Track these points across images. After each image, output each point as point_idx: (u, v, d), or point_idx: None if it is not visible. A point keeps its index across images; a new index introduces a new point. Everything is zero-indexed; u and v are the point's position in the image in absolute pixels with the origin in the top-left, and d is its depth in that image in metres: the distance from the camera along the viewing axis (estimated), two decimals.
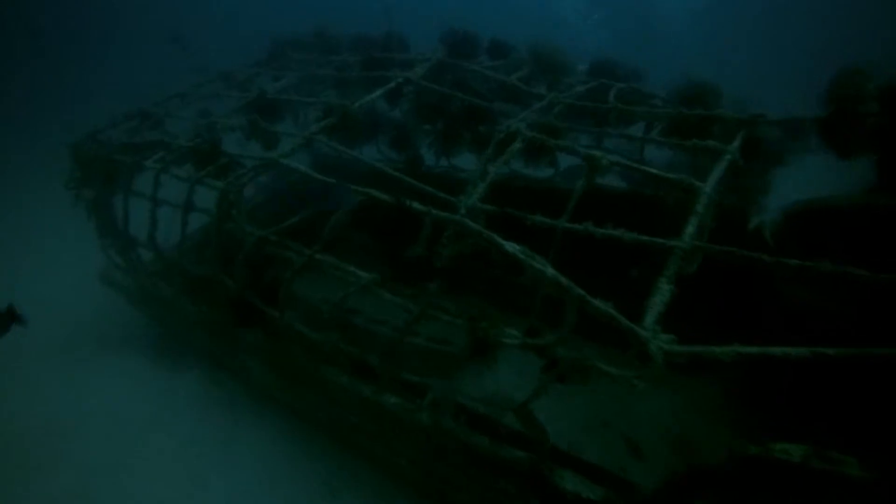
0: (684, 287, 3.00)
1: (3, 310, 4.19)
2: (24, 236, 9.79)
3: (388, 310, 3.37)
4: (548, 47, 5.03)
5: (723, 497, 2.52)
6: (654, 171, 3.46)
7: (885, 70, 3.58)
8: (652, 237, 3.01)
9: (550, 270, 2.81)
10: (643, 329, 2.49)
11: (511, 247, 2.97)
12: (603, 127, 4.57)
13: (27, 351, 6.35)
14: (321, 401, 4.46)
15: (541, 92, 5.10)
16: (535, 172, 5.45)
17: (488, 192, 3.57)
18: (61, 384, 6.13)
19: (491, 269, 3.61)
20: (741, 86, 4.46)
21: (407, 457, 4.02)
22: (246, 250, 3.81)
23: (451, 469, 3.75)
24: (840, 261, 2.74)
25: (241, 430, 5.15)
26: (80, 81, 19.13)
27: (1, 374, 6.16)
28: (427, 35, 6.33)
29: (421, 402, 3.66)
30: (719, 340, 2.48)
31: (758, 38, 17.38)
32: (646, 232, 3.06)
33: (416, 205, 3.35)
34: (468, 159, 6.02)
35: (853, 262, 2.76)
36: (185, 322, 5.61)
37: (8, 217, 10.64)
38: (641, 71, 4.83)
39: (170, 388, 5.82)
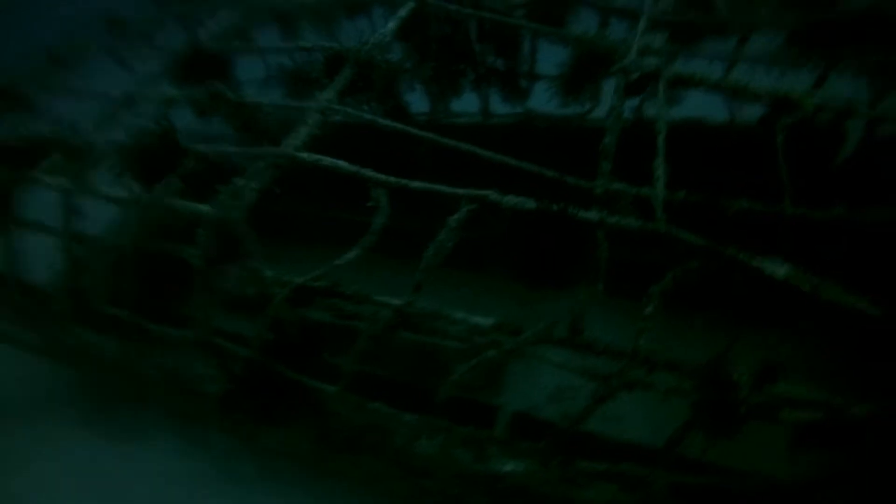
0: None
1: None
2: None
3: None
4: None
5: None
6: None
7: None
8: None
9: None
10: None
11: (777, 267, 1.84)
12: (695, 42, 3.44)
13: None
14: (395, 471, 3.24)
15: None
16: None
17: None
18: None
19: None
20: None
21: None
22: (275, 307, 2.36)
23: None
24: None
25: None
26: None
27: None
28: None
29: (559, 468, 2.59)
30: None
31: None
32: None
33: (584, 213, 2.09)
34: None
35: None
36: (139, 382, 4.01)
37: None
38: None
39: (131, 472, 4.22)
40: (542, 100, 4.39)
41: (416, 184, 2.24)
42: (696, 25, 3.33)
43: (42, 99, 3.78)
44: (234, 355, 2.74)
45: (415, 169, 2.49)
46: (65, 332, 3.73)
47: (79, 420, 4.68)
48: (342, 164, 2.34)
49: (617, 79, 2.71)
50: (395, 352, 3.04)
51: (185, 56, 3.55)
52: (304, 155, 2.40)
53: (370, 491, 3.76)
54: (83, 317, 3.45)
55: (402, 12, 3.35)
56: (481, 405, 3.49)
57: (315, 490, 3.93)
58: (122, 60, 4.09)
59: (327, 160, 2.36)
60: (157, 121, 2.64)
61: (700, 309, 3.26)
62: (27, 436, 4.63)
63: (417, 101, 4.59)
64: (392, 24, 3.24)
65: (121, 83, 3.62)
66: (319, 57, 4.95)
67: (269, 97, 3.92)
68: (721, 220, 2.19)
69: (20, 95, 3.71)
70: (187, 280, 2.60)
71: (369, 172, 2.30)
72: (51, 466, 4.39)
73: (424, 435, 2.85)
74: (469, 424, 2.72)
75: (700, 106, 3.63)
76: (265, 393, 2.64)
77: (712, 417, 1.94)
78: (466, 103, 4.76)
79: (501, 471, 2.74)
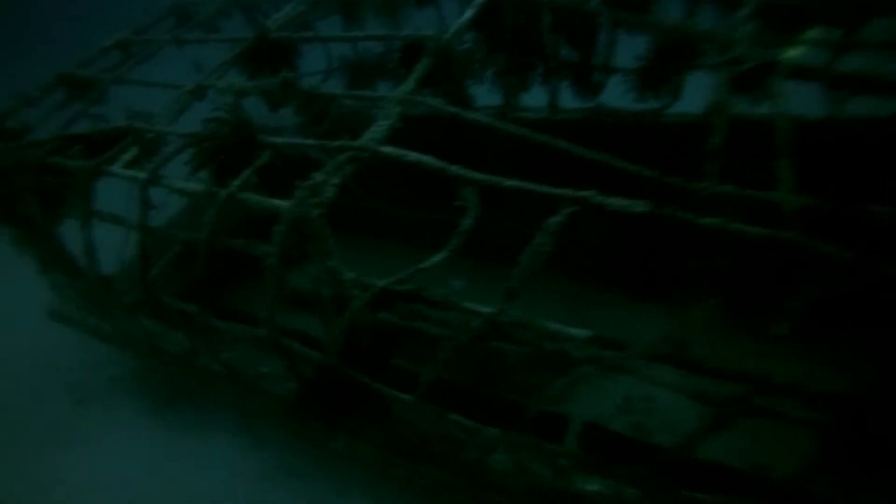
0: None
1: None
2: None
3: None
4: None
5: None
6: None
7: None
8: None
9: None
10: None
11: None
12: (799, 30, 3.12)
13: None
14: (462, 483, 3.10)
15: None
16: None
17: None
18: (36, 469, 4.44)
19: None
20: None
21: None
22: (355, 311, 2.23)
23: None
24: None
25: None
26: None
27: None
28: None
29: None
30: None
31: None
32: None
33: (703, 219, 1.87)
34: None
35: None
36: (203, 376, 4.00)
37: None
38: None
39: (194, 462, 4.25)
40: (617, 95, 4.15)
41: (509, 182, 2.06)
42: (803, 11, 3.02)
43: (114, 89, 3.79)
44: (305, 357, 2.64)
45: (484, 165, 2.33)
46: (134, 323, 3.75)
47: (146, 409, 4.77)
48: (428, 159, 2.19)
49: (723, 71, 2.44)
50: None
51: (252, 46, 3.46)
52: (388, 149, 2.26)
53: (431, 499, 3.65)
54: (152, 309, 3.44)
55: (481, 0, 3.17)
56: (546, 413, 3.32)
57: (374, 491, 3.85)
58: (190, 51, 4.06)
59: (412, 156, 2.21)
60: (231, 112, 2.54)
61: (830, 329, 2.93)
62: (99, 419, 4.75)
63: (481, 95, 4.43)
64: (469, 13, 3.06)
65: (189, 73, 3.59)
66: (382, 48, 4.85)
67: (331, 88, 3.83)
68: (849, 227, 1.94)
69: (93, 86, 3.72)
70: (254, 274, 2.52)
71: (457, 169, 2.13)
72: (119, 449, 4.48)
73: (501, 448, 2.70)
74: (534, 432, 2.56)
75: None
76: (337, 398, 2.53)
77: (850, 455, 1.71)
78: (534, 97, 4.54)
79: (585, 490, 2.57)
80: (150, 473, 4.28)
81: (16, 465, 4.47)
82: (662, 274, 2.24)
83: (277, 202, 2.28)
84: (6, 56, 11.37)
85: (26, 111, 3.73)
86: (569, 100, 4.47)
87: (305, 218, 2.16)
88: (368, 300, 2.13)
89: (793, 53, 2.49)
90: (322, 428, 2.81)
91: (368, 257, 4.49)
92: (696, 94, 3.93)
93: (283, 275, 2.40)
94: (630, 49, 3.88)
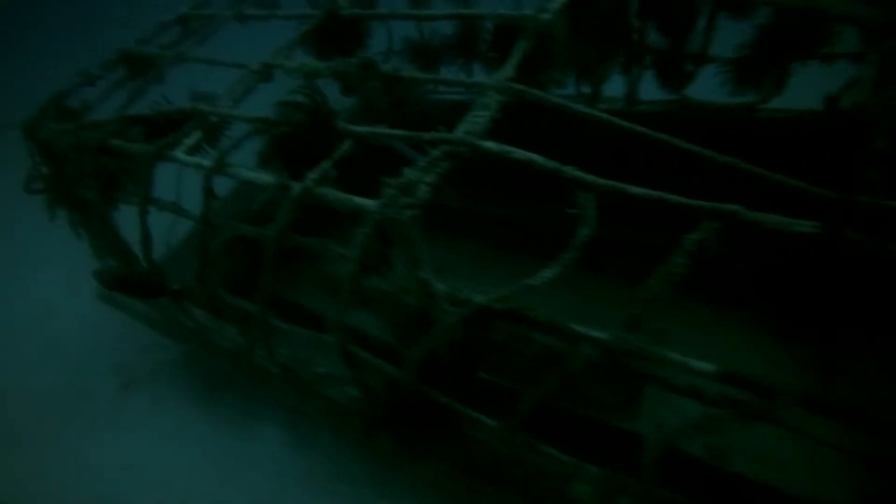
0: None
1: None
2: None
3: None
4: None
5: None
6: None
7: None
8: None
9: None
10: None
11: None
12: None
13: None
14: None
15: None
16: None
17: None
18: (79, 460, 4.38)
19: None
20: None
21: None
22: (447, 329, 1.96)
23: None
24: None
25: None
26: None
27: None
28: None
29: None
30: None
31: None
32: None
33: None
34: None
35: None
36: (254, 372, 3.83)
37: None
38: None
39: (239, 457, 4.09)
40: (708, 87, 3.78)
41: (636, 189, 1.75)
42: None
43: (174, 69, 3.60)
44: (377, 369, 2.40)
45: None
46: (185, 314, 3.60)
47: (193, 398, 4.66)
48: (537, 158, 1.89)
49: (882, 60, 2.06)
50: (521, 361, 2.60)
51: (322, 24, 3.20)
52: (490, 144, 1.96)
53: None
54: (207, 301, 3.27)
55: None
56: (616, 429, 3.04)
57: (427, 503, 3.63)
58: (252, 27, 3.83)
59: (519, 153, 1.91)
60: (309, 95, 2.29)
61: None
62: (145, 405, 4.66)
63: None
64: None
65: (251, 52, 3.36)
66: (448, 31, 4.53)
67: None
68: None
69: (153, 64, 3.53)
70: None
71: (573, 171, 1.83)
72: (163, 439, 4.38)
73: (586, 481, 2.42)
74: (601, 450, 2.30)
75: None
76: (412, 418, 2.28)
77: None
78: (608, 86, 4.16)
79: None
80: (193, 466, 4.16)
81: (57, 447, 4.42)
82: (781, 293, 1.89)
83: (362, 200, 2.02)
84: (72, 33, 11.49)
85: (86, 90, 3.57)
86: (648, 90, 4.11)
87: (395, 221, 1.89)
88: (463, 317, 1.86)
89: None
90: (393, 449, 2.58)
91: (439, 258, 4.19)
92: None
93: (360, 281, 2.15)
94: (721, 38, 3.54)
